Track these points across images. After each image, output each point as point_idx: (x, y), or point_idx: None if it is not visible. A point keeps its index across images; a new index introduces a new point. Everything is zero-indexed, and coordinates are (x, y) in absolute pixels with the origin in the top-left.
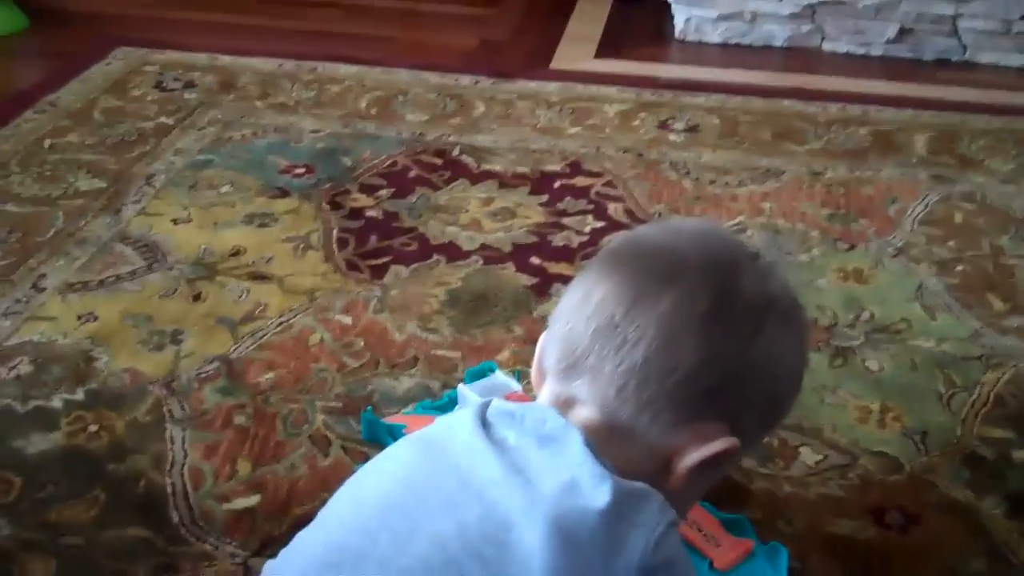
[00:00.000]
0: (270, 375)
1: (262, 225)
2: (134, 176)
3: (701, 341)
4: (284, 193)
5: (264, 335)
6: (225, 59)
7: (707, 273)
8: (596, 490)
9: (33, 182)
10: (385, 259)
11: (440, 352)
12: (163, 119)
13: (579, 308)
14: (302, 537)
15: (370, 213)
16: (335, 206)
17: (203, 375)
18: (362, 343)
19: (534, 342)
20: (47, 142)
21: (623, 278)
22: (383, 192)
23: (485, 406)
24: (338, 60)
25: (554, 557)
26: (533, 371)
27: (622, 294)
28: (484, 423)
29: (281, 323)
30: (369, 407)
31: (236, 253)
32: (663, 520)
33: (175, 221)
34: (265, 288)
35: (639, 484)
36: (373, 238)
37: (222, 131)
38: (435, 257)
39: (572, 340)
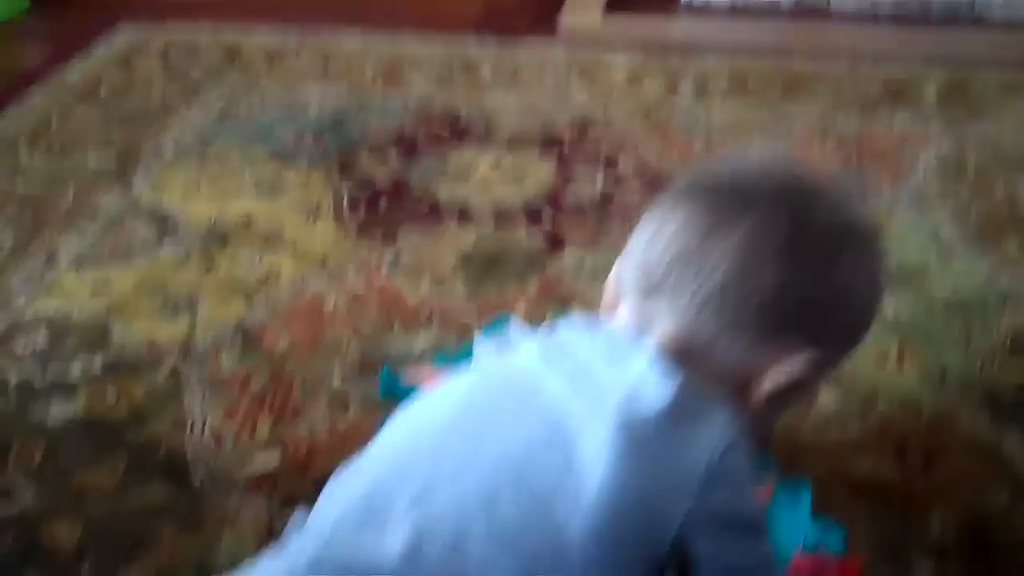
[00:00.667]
0: (286, 340)
1: (272, 194)
2: (143, 151)
3: (779, 268)
4: (293, 162)
5: (278, 301)
6: (229, 33)
7: (781, 202)
8: (660, 391)
9: (42, 159)
10: (396, 223)
11: (455, 311)
12: (169, 95)
13: (655, 238)
14: (353, 468)
15: (379, 179)
16: (345, 174)
17: (219, 342)
18: (376, 306)
19: (548, 298)
20: (55, 118)
21: (698, 209)
22: (392, 158)
23: (544, 331)
24: (342, 27)
25: (620, 460)
26: (606, 296)
27: (698, 223)
28: (545, 346)
29: (295, 289)
30: (386, 364)
31: (247, 222)
32: (730, 432)
33: (185, 193)
34: (277, 255)
35: (707, 394)
36: (384, 203)
37: (229, 105)
38: (446, 220)
39: (649, 267)
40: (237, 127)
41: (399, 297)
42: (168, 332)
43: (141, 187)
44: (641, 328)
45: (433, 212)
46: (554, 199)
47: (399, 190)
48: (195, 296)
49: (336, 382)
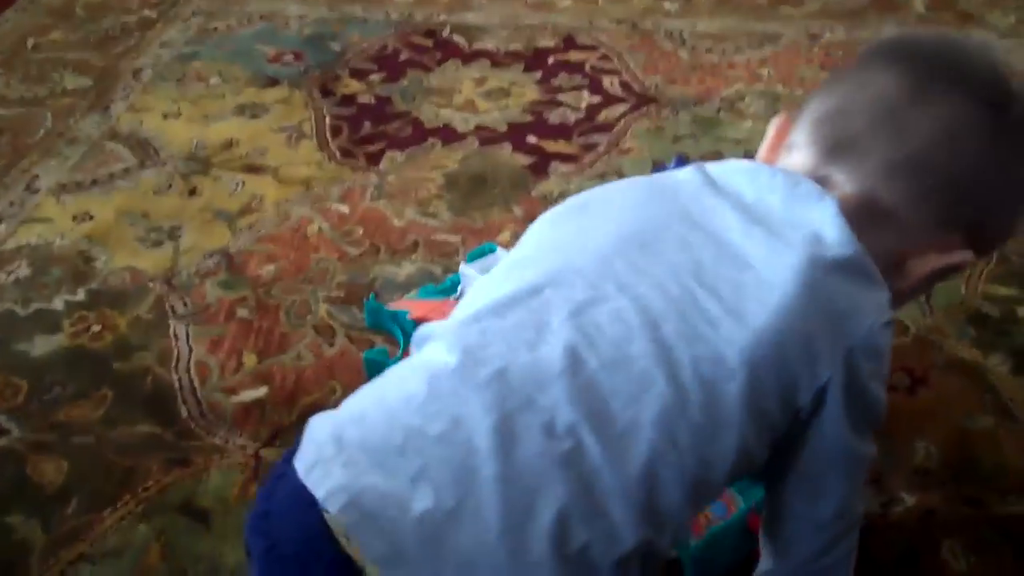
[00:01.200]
0: (270, 267)
1: (253, 116)
2: (120, 72)
3: (980, 149)
4: (274, 82)
5: (262, 227)
6: None
7: (989, 86)
8: (845, 241)
9: (19, 83)
10: (380, 145)
11: (440, 236)
12: (146, 12)
13: (854, 92)
14: (508, 267)
15: (362, 99)
16: (326, 93)
17: (203, 270)
18: (361, 231)
19: (533, 220)
20: (30, 41)
21: (905, 70)
22: (374, 77)
23: (707, 167)
24: None
25: (803, 288)
26: (767, 146)
27: (904, 85)
28: (711, 180)
29: (279, 213)
30: (372, 294)
31: (229, 145)
32: (887, 312)
33: (165, 116)
34: (260, 180)
35: (873, 267)
36: (367, 124)
37: (207, 21)
38: (430, 140)
39: (843, 121)
40: (216, 46)
41: (384, 222)
42: (151, 260)
43: (120, 109)
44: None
45: (417, 132)
46: (539, 117)
47: (382, 109)
48: (178, 224)
49: (321, 311)
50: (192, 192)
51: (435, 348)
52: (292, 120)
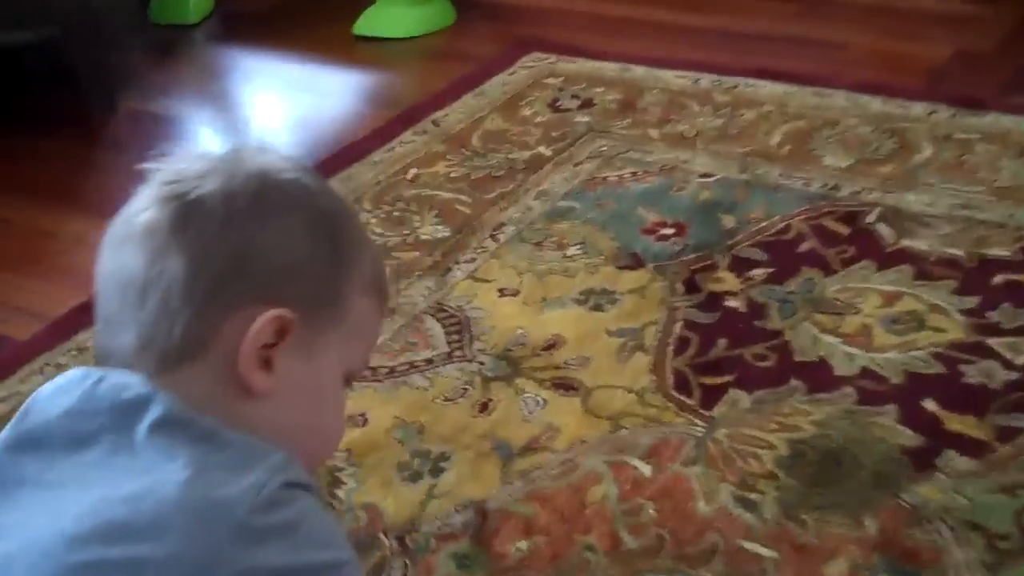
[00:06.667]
0: (522, 544)
1: (595, 308)
2: (482, 224)
3: None
4: (637, 263)
5: (539, 478)
6: (637, 70)
7: None
8: None
9: (377, 224)
10: (727, 377)
11: (750, 546)
12: (541, 149)
13: None
14: None
15: (730, 302)
16: (691, 288)
17: (446, 531)
18: (652, 510)
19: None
20: (411, 172)
21: None
22: (757, 272)
23: None
24: (764, 76)
25: None
26: None
27: None
28: None
29: (566, 461)
30: None
31: (552, 345)
32: None
33: (501, 292)
34: (565, 405)
35: None
36: (722, 343)
37: (599, 168)
38: (792, 383)
39: None
40: (595, 202)
41: (686, 502)
42: (399, 501)
43: (459, 276)
44: None
45: (780, 366)
46: (952, 370)
47: (749, 322)
48: (448, 451)
49: None
50: (483, 408)
51: None
52: (636, 321)
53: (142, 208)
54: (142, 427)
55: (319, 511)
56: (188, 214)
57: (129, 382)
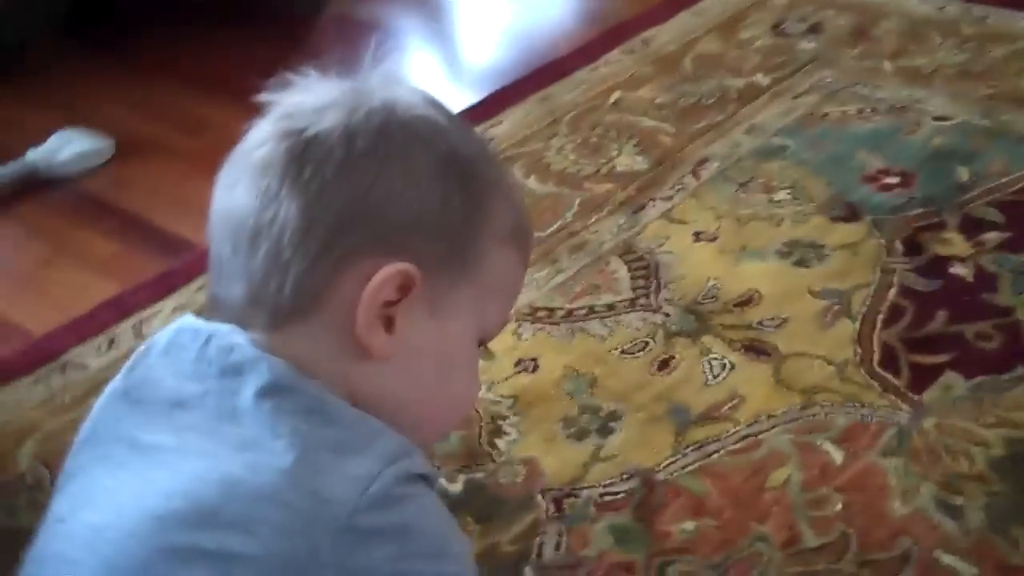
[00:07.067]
0: (689, 525)
1: (799, 263)
2: (684, 158)
3: None
4: (853, 215)
5: (714, 449)
6: None
7: None
8: None
9: (572, 151)
10: (943, 357)
11: (948, 560)
12: (758, 76)
13: None
14: None
15: (956, 269)
16: (912, 249)
17: (608, 500)
18: (840, 505)
19: None
20: (615, 95)
21: None
22: (990, 236)
23: None
24: (1022, 7)
25: None
26: None
27: None
28: None
29: (747, 436)
30: None
31: (746, 301)
32: None
33: (697, 236)
34: (755, 371)
35: None
36: (942, 315)
37: (821, 102)
38: (1019, 370)
39: None
40: (812, 142)
41: (880, 500)
42: (561, 459)
43: (653, 214)
44: None
45: (1006, 349)
46: None
47: (976, 294)
48: (620, 409)
49: None
50: (663, 366)
51: None
52: (845, 282)
53: (257, 144)
54: (247, 393)
55: (435, 512)
56: (304, 154)
57: (236, 342)
